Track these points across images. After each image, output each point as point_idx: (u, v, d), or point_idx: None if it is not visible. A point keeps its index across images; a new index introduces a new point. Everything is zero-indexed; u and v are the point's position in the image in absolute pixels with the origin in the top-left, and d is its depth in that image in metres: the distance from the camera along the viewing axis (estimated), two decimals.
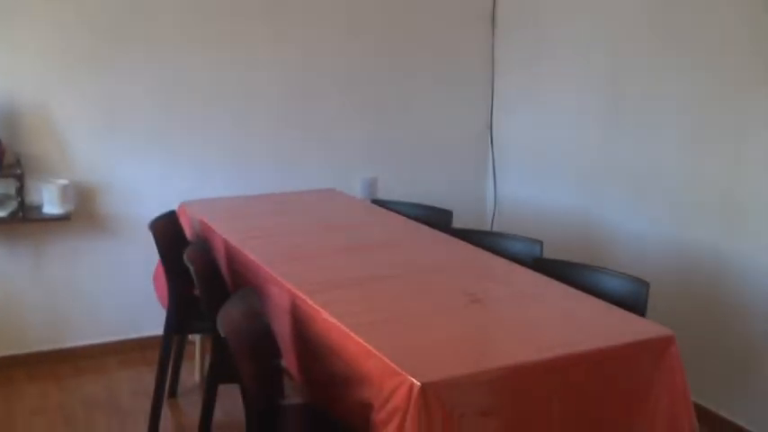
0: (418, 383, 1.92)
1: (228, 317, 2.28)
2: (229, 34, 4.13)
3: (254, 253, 2.92)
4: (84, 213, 3.95)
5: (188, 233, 3.56)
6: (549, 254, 3.09)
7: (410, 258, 3.03)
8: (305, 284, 2.58)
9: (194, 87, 4.10)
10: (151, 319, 3.87)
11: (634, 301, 2.59)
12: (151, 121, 4.04)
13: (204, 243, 3.32)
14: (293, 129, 4.36)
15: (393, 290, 2.64)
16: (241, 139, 4.24)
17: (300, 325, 2.50)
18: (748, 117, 3.26)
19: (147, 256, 3.60)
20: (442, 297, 2.59)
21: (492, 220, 4.83)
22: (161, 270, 3.47)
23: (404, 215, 3.62)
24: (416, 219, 3.54)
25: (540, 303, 2.55)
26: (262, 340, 2.55)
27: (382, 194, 4.40)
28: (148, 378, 3.68)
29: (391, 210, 3.71)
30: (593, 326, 2.39)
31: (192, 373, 3.90)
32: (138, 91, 3.98)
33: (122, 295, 4.09)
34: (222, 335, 2.18)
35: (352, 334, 2.21)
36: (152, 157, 4.06)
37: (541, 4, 4.43)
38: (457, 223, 3.59)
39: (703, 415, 3.14)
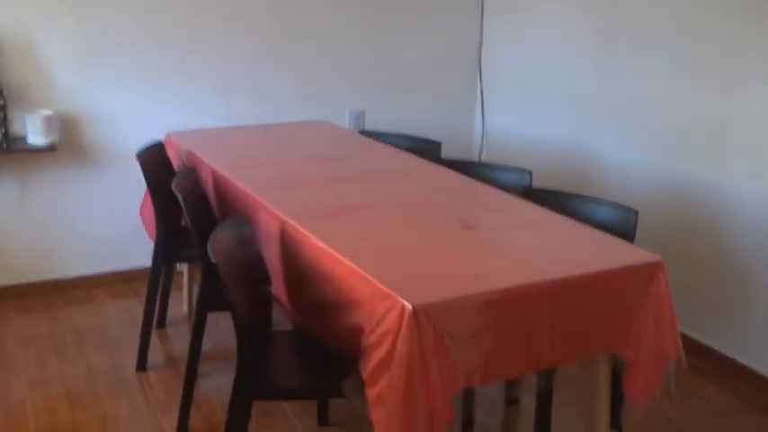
0: (410, 306, 1.92)
1: (219, 244, 2.27)
2: None
3: (242, 181, 2.90)
4: (69, 144, 3.91)
5: (175, 164, 3.53)
6: (537, 185, 3.08)
7: (401, 187, 3.01)
8: (294, 212, 2.57)
9: (179, 17, 4.02)
10: (139, 250, 3.87)
11: (623, 230, 2.59)
12: (135, 51, 3.97)
13: (192, 173, 3.30)
14: (280, 61, 4.30)
15: (384, 217, 2.64)
16: (227, 71, 4.19)
17: (289, 251, 2.49)
18: (741, 50, 3.24)
19: (133, 186, 3.59)
20: (434, 224, 2.59)
21: (480, 153, 4.82)
22: (148, 201, 3.45)
23: (393, 146, 3.60)
24: (405, 150, 3.52)
25: (530, 230, 2.55)
26: (253, 267, 2.56)
27: (370, 127, 4.37)
28: (137, 309, 3.70)
29: (380, 141, 3.69)
30: (583, 251, 2.39)
31: (180, 303, 3.91)
32: (122, 20, 3.91)
33: (110, 226, 4.08)
34: (213, 261, 2.17)
35: (343, 258, 2.21)
36: (137, 87, 4.00)
37: None
38: (445, 155, 3.57)
39: (690, 345, 3.17)
